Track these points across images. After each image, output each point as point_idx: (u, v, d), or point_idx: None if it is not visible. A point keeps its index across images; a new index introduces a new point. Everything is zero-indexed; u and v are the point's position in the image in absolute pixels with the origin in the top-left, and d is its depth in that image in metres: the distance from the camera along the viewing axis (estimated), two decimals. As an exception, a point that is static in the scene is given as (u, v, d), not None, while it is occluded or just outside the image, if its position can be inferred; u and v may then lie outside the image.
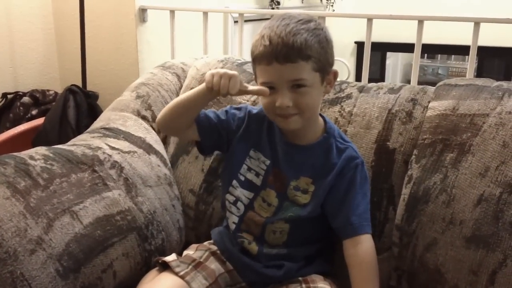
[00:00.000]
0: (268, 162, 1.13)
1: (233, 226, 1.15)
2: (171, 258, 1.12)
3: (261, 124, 1.15)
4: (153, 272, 1.14)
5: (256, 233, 1.13)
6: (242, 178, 1.15)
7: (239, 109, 1.19)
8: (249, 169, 1.14)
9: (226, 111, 1.18)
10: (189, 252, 1.18)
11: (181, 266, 1.09)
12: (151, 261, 1.19)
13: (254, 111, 1.17)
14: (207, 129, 1.14)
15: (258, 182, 1.13)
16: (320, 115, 1.16)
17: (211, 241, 1.20)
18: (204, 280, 1.09)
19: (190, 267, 1.10)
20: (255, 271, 1.12)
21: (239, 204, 1.15)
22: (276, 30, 1.01)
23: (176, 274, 1.07)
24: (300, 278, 1.09)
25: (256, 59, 1.05)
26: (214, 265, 1.13)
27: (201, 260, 1.13)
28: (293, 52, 1.00)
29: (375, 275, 1.05)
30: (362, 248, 1.06)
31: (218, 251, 1.16)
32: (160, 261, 1.13)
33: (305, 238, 1.13)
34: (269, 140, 1.14)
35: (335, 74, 1.10)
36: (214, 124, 1.15)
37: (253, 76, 1.12)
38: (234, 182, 1.15)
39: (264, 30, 1.04)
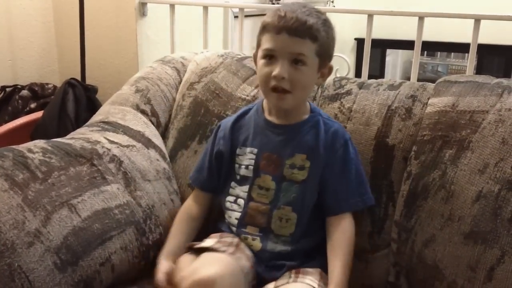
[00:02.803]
0: (255, 150, 1.15)
1: (235, 222, 1.15)
2: (212, 241, 1.09)
3: (242, 123, 1.20)
4: (187, 256, 1.11)
5: (262, 222, 1.12)
6: (238, 177, 1.17)
7: (218, 129, 1.24)
8: (240, 166, 1.17)
9: (213, 142, 1.22)
10: (214, 239, 1.12)
11: (225, 248, 1.06)
12: (149, 255, 1.19)
13: (231, 119, 1.22)
14: (212, 181, 1.22)
15: (250, 173, 1.15)
16: None
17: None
18: (246, 262, 1.06)
19: (232, 249, 1.07)
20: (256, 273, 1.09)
21: (239, 200, 1.16)
22: (293, 7, 1.08)
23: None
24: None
25: (267, 26, 1.08)
26: (247, 250, 1.10)
27: (236, 244, 1.10)
28: (304, 29, 1.05)
29: (351, 250, 1.08)
30: (345, 224, 1.09)
31: None
32: (196, 247, 1.09)
33: (310, 228, 1.12)
34: (254, 129, 1.17)
35: (330, 68, 1.15)
36: (209, 174, 1.22)
37: (253, 68, 1.13)
38: (232, 183, 1.18)
39: (281, 6, 1.09)
